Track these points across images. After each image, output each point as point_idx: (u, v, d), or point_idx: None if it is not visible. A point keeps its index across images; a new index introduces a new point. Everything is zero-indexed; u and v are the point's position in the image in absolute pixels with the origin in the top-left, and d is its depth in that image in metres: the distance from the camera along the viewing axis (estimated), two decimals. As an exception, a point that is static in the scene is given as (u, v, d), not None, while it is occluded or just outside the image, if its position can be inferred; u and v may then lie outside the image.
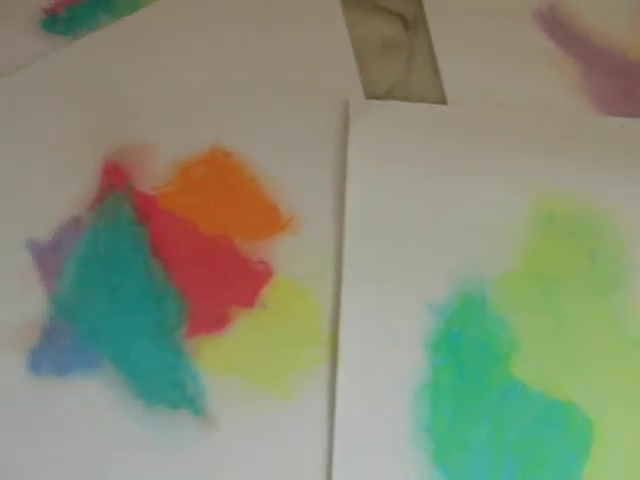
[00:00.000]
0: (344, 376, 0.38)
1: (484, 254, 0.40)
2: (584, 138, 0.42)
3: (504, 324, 0.39)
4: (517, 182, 0.41)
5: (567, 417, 0.38)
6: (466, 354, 0.39)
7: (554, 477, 0.37)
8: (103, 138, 0.44)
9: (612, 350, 0.39)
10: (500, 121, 0.43)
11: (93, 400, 0.39)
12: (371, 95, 0.44)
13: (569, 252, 0.40)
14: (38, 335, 0.40)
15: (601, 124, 0.42)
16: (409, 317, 0.39)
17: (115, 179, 0.43)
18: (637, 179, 0.41)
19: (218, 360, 0.39)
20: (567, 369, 0.38)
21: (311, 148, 0.43)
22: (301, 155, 0.43)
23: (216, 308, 0.40)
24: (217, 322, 0.40)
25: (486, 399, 0.38)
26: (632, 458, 0.38)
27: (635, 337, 0.39)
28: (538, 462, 0.37)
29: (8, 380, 0.39)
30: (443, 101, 0.44)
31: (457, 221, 0.40)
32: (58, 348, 0.40)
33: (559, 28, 0.45)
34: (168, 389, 0.39)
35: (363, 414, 0.38)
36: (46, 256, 0.42)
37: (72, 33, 0.47)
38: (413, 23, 0.46)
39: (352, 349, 0.38)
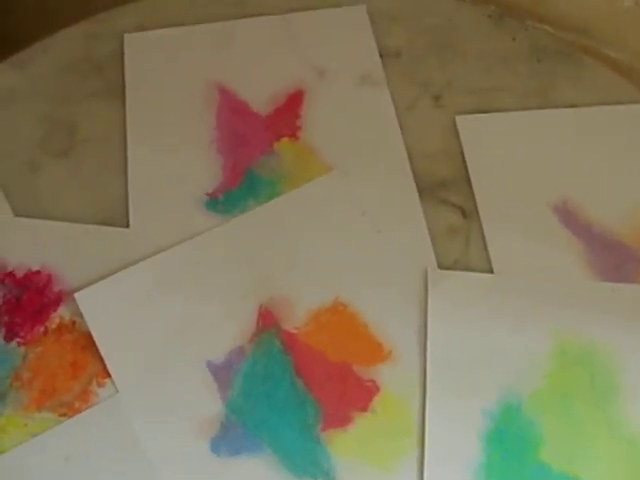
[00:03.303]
0: (428, 460, 0.60)
1: (521, 377, 0.62)
2: (586, 298, 0.65)
3: (534, 424, 0.61)
4: (542, 328, 0.64)
5: (577, 488, 0.60)
6: (509, 444, 0.61)
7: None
8: (258, 291, 0.65)
9: (608, 443, 0.61)
10: (530, 285, 0.66)
11: (257, 474, 0.60)
12: (442, 265, 0.66)
13: (577, 376, 0.62)
14: (218, 427, 0.61)
15: (599, 288, 0.66)
16: (471, 419, 0.61)
17: (267, 321, 0.64)
18: (624, 324, 0.64)
19: (344, 447, 0.61)
20: (577, 455, 0.60)
21: (403, 302, 0.64)
22: (396, 307, 0.64)
23: (342, 412, 0.61)
24: (343, 421, 0.61)
25: (523, 476, 0.60)
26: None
27: (624, 435, 0.61)
28: (557, 518, 0.60)
29: (198, 458, 0.60)
30: (491, 271, 0.66)
31: (503, 354, 0.63)
32: (232, 437, 0.61)
33: (569, 218, 0.68)
34: (309, 465, 0.60)
35: (441, 484, 0.61)
36: (221, 373, 0.63)
37: (229, 213, 0.68)
38: (469, 214, 0.68)
39: (433, 441, 0.61)
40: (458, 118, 0.72)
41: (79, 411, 0.62)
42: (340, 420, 0.62)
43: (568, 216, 0.69)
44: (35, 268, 0.67)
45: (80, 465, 0.61)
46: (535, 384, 0.63)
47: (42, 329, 0.65)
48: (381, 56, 0.75)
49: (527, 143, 0.72)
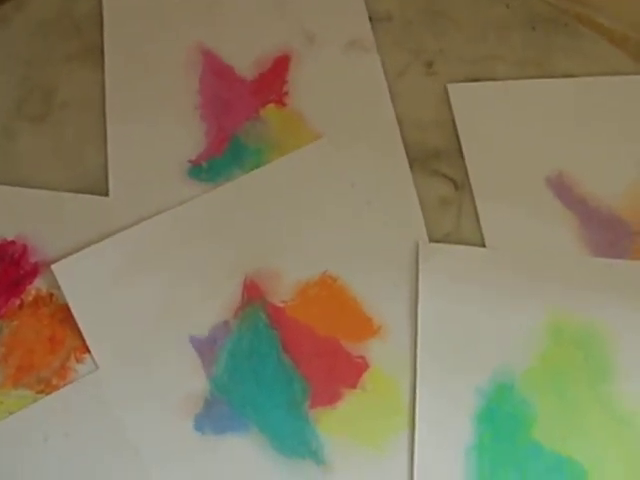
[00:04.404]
0: (419, 438, 0.59)
1: (514, 355, 0.61)
2: (581, 274, 0.64)
3: (527, 403, 0.60)
4: (536, 305, 0.62)
5: (569, 467, 0.59)
6: (501, 424, 0.60)
7: (560, 509, 0.59)
8: (243, 262, 0.63)
9: (601, 421, 0.60)
10: (523, 260, 0.64)
11: (243, 453, 0.58)
12: (433, 239, 0.64)
13: (571, 354, 0.61)
14: (202, 405, 0.59)
15: (593, 263, 0.65)
16: (463, 398, 0.60)
17: (253, 293, 0.63)
18: (619, 302, 0.63)
19: (332, 425, 0.59)
20: (570, 434, 0.59)
21: (394, 275, 0.63)
22: (386, 281, 0.63)
23: (330, 389, 0.60)
24: (331, 398, 0.60)
25: (514, 455, 0.59)
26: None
27: (617, 414, 0.60)
28: (549, 499, 0.59)
29: (181, 437, 0.59)
30: (483, 244, 0.64)
31: (495, 331, 0.62)
32: (217, 415, 0.59)
33: (564, 191, 0.66)
34: (297, 445, 0.59)
35: (433, 465, 0.59)
36: (205, 348, 0.61)
37: (212, 181, 0.66)
38: (461, 185, 0.66)
39: (424, 420, 0.60)
40: (450, 86, 0.70)
41: (57, 388, 0.60)
42: (329, 397, 0.60)
43: (563, 189, 0.67)
44: (10, 238, 0.65)
45: (59, 443, 0.59)
46: (528, 362, 0.61)
47: (18, 302, 0.63)
48: (371, 20, 0.72)
49: (521, 113, 0.70)
